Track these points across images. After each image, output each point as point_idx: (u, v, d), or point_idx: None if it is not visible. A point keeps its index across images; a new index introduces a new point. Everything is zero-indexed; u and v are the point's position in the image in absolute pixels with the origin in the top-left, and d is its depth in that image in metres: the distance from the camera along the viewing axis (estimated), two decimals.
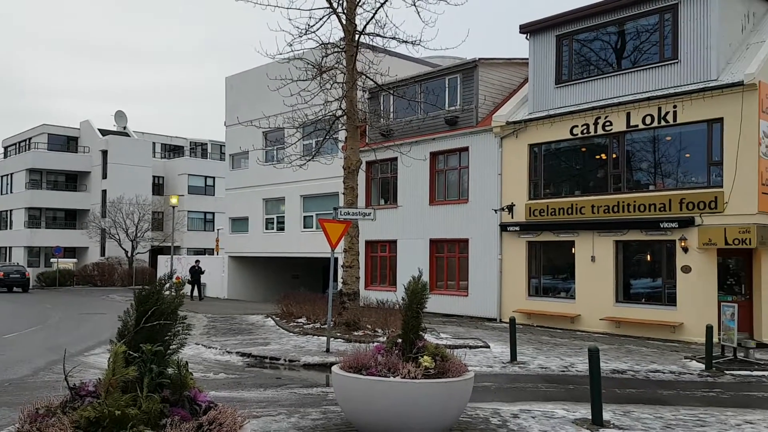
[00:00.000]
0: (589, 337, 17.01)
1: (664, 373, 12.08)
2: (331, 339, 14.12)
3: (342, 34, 16.60)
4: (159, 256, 39.73)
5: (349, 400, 6.55)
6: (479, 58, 22.10)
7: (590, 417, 7.66)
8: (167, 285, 4.20)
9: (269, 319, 19.72)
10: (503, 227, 20.88)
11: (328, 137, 18.13)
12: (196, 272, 29.54)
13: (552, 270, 20.42)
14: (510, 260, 20.81)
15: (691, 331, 16.25)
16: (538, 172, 20.40)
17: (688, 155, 17.45)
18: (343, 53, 16.66)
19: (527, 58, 21.08)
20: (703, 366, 12.39)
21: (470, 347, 14.36)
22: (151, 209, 46.29)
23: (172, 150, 56.87)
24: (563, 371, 12.04)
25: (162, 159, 54.98)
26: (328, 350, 13.41)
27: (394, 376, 6.20)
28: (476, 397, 8.51)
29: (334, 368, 6.77)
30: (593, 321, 18.47)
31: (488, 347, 14.57)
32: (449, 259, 23.06)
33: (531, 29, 20.56)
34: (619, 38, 18.88)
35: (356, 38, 16.35)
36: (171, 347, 4.11)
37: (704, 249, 16.43)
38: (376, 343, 7.19)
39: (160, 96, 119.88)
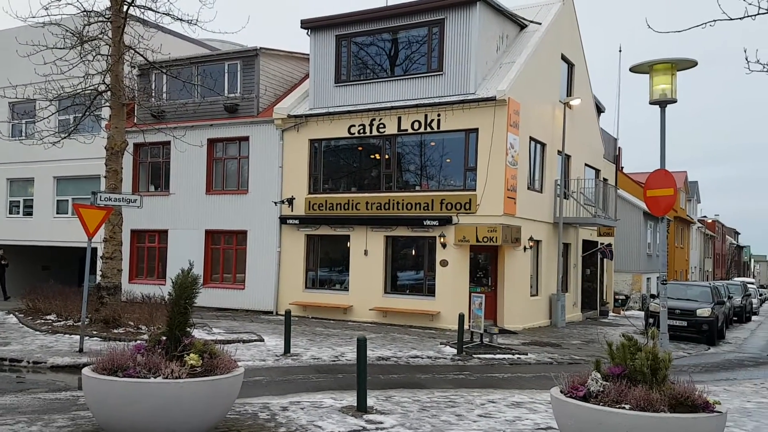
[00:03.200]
0: (359, 327, 17.79)
1: (422, 358, 13.09)
2: (86, 338, 12.84)
3: (108, 3, 15.18)
4: None
5: (103, 404, 5.95)
6: (260, 47, 21.78)
7: (356, 404, 7.98)
8: None
9: (11, 315, 17.23)
10: (283, 220, 20.88)
11: (88, 113, 16.43)
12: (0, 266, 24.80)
13: (329, 263, 20.97)
14: (289, 253, 20.89)
15: (447, 319, 17.88)
16: (318, 167, 20.77)
17: (449, 160, 19.16)
18: (108, 23, 15.22)
19: (309, 54, 21.31)
20: (455, 351, 13.70)
21: (244, 341, 14.11)
22: None
23: None
24: (334, 361, 12.41)
25: None
26: (81, 350, 12.16)
27: (155, 377, 5.78)
28: (247, 392, 8.36)
29: (85, 370, 6.12)
30: (364, 311, 19.36)
31: (262, 341, 14.46)
32: (226, 251, 22.40)
33: (312, 26, 20.81)
34: (393, 46, 20.00)
35: (124, 9, 15.07)
36: None
37: (459, 245, 18.18)
38: (136, 342, 6.65)
39: None
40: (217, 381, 6.04)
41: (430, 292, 18.79)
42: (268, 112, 21.47)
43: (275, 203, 20.95)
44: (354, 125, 19.92)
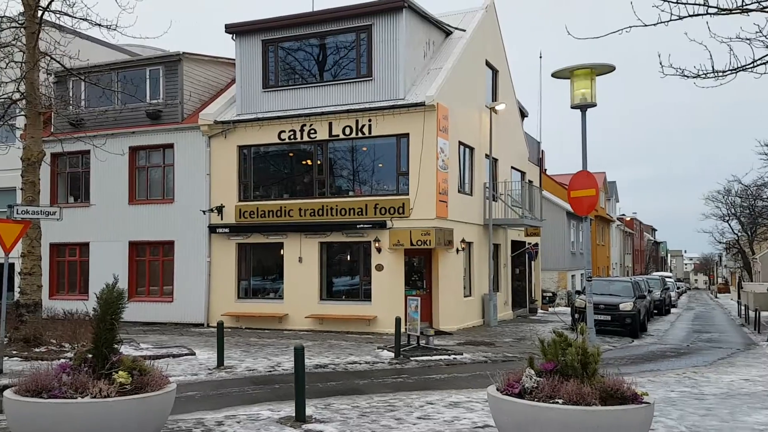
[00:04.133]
0: (295, 336, 17.58)
1: (360, 363, 13.07)
2: (6, 358, 12.13)
3: (22, 8, 14.45)
4: None
5: (28, 428, 5.65)
6: (183, 52, 21.24)
7: (294, 414, 7.87)
8: None
9: None
10: (212, 229, 20.38)
11: (1, 123, 15.57)
12: None
13: (262, 271, 20.62)
14: (219, 263, 20.40)
15: (384, 323, 17.93)
16: (248, 174, 20.41)
17: (381, 165, 19.26)
18: (22, 29, 14.48)
19: (235, 59, 20.94)
20: (393, 354, 13.75)
21: (174, 356, 13.67)
22: None
23: None
24: (270, 371, 12.19)
25: None
26: (0, 371, 11.47)
27: (83, 397, 5.52)
28: (180, 408, 8.09)
29: (7, 393, 5.80)
30: (299, 319, 19.15)
31: (194, 354, 14.06)
32: (152, 263, 21.65)
33: (237, 30, 20.46)
34: (321, 51, 19.93)
35: (39, 14, 14.37)
36: None
37: (394, 249, 18.30)
38: (61, 361, 6.33)
39: None
40: (148, 398, 5.83)
41: (366, 297, 18.79)
42: (193, 119, 20.95)
43: (203, 212, 20.44)
44: (284, 131, 19.71)
